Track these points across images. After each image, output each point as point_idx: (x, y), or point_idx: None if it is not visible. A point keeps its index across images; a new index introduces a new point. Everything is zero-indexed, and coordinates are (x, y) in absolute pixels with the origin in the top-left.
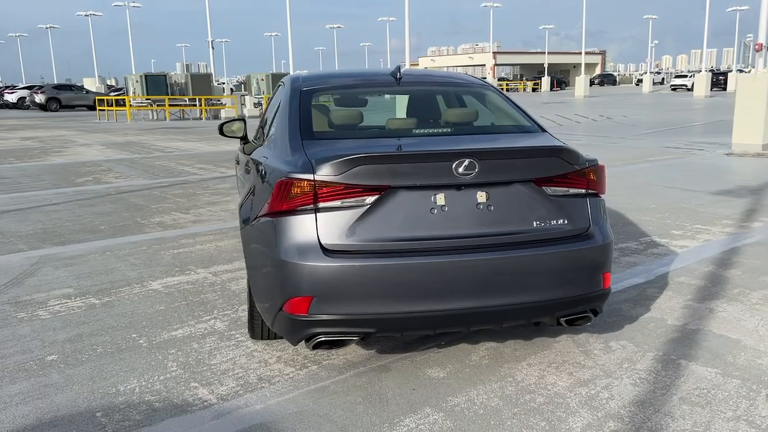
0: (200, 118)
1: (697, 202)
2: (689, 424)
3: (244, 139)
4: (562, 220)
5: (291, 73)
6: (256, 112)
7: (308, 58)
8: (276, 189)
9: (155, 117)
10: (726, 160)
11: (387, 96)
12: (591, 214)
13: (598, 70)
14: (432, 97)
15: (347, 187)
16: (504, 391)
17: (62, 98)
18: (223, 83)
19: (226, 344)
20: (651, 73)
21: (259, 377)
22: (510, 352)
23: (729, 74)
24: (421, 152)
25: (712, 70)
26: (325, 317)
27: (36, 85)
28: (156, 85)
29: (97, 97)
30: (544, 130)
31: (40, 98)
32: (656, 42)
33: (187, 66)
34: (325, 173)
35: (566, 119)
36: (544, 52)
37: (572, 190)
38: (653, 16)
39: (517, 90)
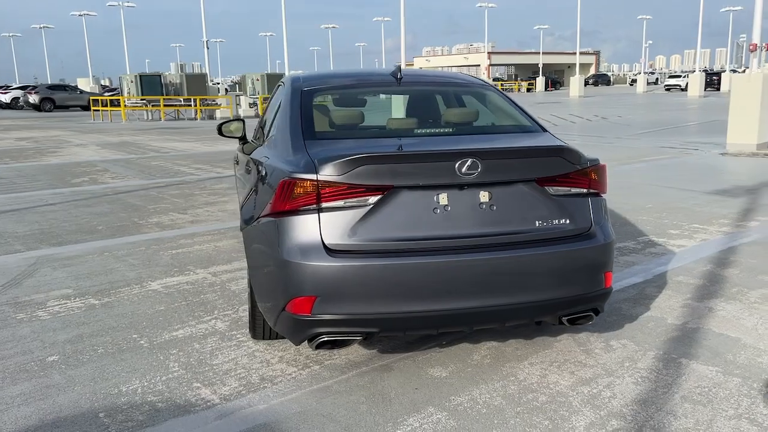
0: (195, 119)
1: (693, 202)
2: (691, 423)
3: (242, 139)
4: (564, 220)
5: (286, 73)
6: (252, 112)
7: (303, 58)
8: (279, 189)
9: (150, 117)
10: (721, 160)
11: (388, 96)
12: (592, 214)
13: (592, 71)
14: (432, 97)
15: (350, 187)
16: (506, 390)
17: (56, 98)
18: (218, 83)
19: (227, 344)
20: (645, 73)
21: (261, 377)
22: (511, 351)
23: (722, 74)
24: (425, 152)
25: (705, 71)
26: (328, 317)
27: (30, 86)
28: (151, 85)
29: (91, 98)
30: (545, 130)
31: (33, 98)
32: (650, 42)
33: (182, 66)
34: (328, 173)
35: (561, 119)
36: (539, 53)
37: (574, 190)
38: (647, 17)
39: (512, 90)
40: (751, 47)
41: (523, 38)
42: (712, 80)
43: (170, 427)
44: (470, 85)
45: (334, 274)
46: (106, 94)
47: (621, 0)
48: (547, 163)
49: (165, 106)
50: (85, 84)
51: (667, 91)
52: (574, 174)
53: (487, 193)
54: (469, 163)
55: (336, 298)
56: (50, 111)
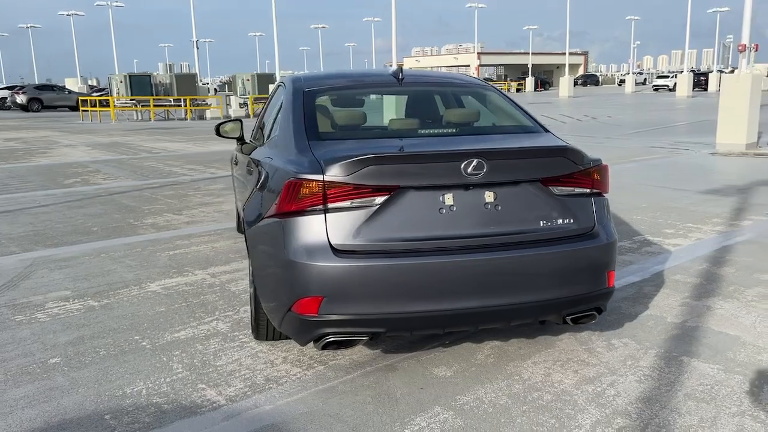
0: (185, 119)
1: (686, 201)
2: (696, 420)
3: (240, 139)
4: (567, 220)
5: (277, 73)
6: (242, 112)
7: (293, 58)
8: (285, 189)
9: (140, 117)
10: (711, 160)
11: (389, 96)
12: (595, 214)
13: (581, 71)
14: (434, 97)
15: (356, 187)
16: (511, 389)
17: (44, 99)
18: (207, 83)
19: (230, 345)
20: (633, 73)
21: (266, 378)
22: (514, 350)
23: (710, 75)
24: (431, 152)
25: (693, 71)
26: (335, 317)
27: (17, 86)
28: (140, 85)
29: (80, 98)
30: (547, 131)
31: (21, 99)
32: (638, 43)
33: (170, 66)
34: (334, 174)
35: (552, 119)
36: (528, 53)
37: (577, 190)
38: (635, 17)
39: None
40: (739, 48)
41: (512, 38)
42: (700, 80)
43: (177, 429)
44: (471, 86)
45: (341, 274)
46: (95, 94)
47: (609, 1)
48: (551, 164)
49: (155, 106)
50: (73, 84)
51: (655, 92)
52: (578, 174)
53: (492, 193)
54: (474, 163)
55: (343, 298)
56: (38, 111)
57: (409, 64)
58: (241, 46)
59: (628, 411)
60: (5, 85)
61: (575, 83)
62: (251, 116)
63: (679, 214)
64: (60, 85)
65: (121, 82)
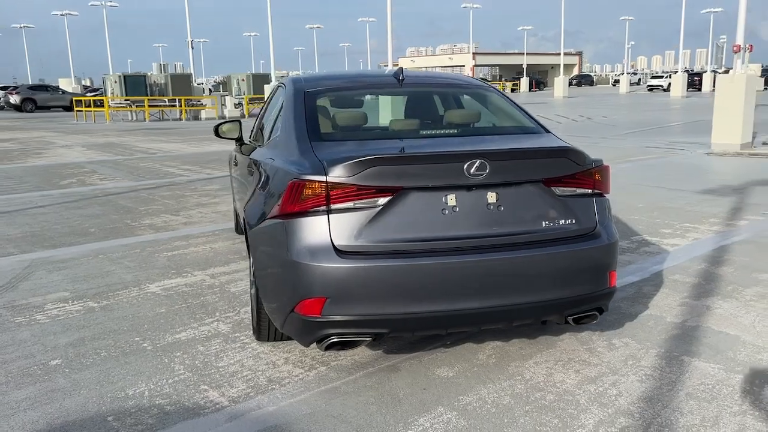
0: (180, 119)
1: (683, 201)
2: (698, 419)
3: (239, 140)
4: (569, 220)
5: (272, 73)
6: (237, 112)
7: (288, 58)
8: (288, 190)
9: (134, 118)
10: (706, 160)
11: (390, 97)
12: (597, 214)
13: (575, 71)
14: (435, 98)
15: (360, 188)
16: (514, 389)
17: (38, 99)
18: (201, 84)
19: (231, 346)
20: (628, 73)
21: (268, 379)
22: (516, 350)
23: (704, 75)
24: (434, 153)
25: (687, 71)
26: (338, 318)
27: (10, 86)
28: (135, 85)
29: (74, 98)
30: (548, 131)
31: (15, 99)
32: (632, 43)
33: (164, 66)
34: (337, 175)
35: (547, 120)
36: (523, 53)
37: (579, 190)
38: (630, 18)
39: None
40: (734, 48)
41: (506, 39)
42: (694, 81)
43: (181, 430)
44: (472, 86)
45: (344, 275)
46: (89, 94)
47: (603, 1)
48: (553, 164)
49: (149, 106)
50: (66, 84)
51: (649, 92)
52: (580, 174)
53: (494, 193)
54: (477, 164)
55: (346, 299)
56: (32, 111)
57: (404, 64)
58: (235, 45)
59: (630, 411)
60: None
61: (570, 83)
62: (246, 116)
63: (676, 214)
64: (54, 85)
65: (115, 82)
